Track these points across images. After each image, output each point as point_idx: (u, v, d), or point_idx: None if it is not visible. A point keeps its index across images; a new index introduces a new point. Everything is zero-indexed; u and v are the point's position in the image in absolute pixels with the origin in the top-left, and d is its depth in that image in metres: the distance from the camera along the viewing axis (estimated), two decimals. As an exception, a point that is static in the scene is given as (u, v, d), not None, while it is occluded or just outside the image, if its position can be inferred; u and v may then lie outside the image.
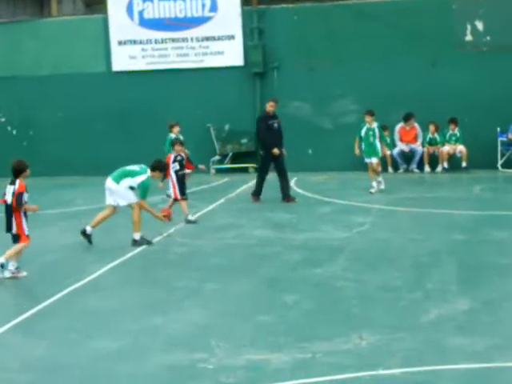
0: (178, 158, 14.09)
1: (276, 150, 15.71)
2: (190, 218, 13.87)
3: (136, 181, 12.09)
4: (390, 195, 16.28)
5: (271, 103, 16.23)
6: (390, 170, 20.46)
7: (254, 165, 20.40)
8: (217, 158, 21.52)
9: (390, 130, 20.41)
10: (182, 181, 13.99)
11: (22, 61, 22.51)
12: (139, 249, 11.84)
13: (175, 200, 13.93)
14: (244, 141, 21.31)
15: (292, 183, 18.25)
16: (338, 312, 8.35)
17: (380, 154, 16.90)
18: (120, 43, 22.10)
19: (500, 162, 20.12)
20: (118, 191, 12.14)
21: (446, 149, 20.15)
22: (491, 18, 20.27)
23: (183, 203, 13.91)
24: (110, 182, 12.23)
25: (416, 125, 20.57)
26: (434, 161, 20.39)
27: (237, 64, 21.62)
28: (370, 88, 20.49)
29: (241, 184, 18.48)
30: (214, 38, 21.70)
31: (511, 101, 19.90)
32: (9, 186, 10.25)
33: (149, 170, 12.23)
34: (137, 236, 12.08)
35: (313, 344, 7.21)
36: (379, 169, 16.98)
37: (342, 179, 19.27)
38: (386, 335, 7.40)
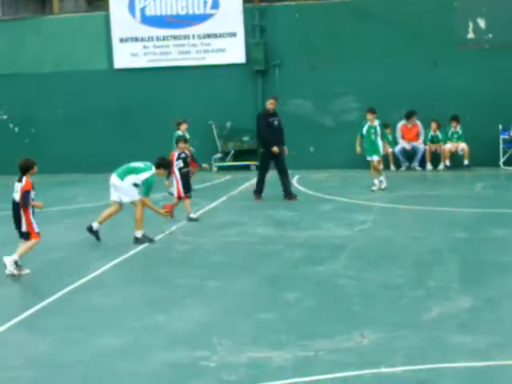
0: (182, 155, 14.05)
1: (275, 149, 15.70)
2: (192, 215, 13.87)
3: (140, 178, 12.10)
4: (391, 193, 16.28)
5: (271, 101, 16.22)
6: (392, 167, 20.48)
7: (256, 162, 20.40)
8: (219, 155, 21.53)
9: (392, 128, 20.40)
10: (185, 178, 13.95)
11: (24, 58, 22.54)
12: (141, 246, 11.85)
13: (179, 198, 13.90)
14: (246, 138, 21.32)
15: (294, 181, 18.28)
16: (339, 310, 8.36)
17: (381, 152, 16.90)
18: (122, 40, 22.11)
19: (502, 160, 20.12)
20: (122, 188, 12.15)
21: (448, 147, 20.15)
22: (493, 15, 20.26)
23: (187, 201, 13.89)
24: (114, 178, 12.24)
25: (418, 122, 20.57)
26: (435, 159, 20.39)
27: (238, 61, 21.63)
28: (372, 86, 20.50)
29: (243, 182, 18.49)
30: (215, 36, 21.71)
31: (513, 98, 19.91)
32: (16, 184, 10.33)
33: (153, 167, 12.23)
34: (139, 234, 12.09)
35: (314, 342, 7.22)
36: (381, 167, 16.98)
37: (344, 177, 19.28)
38: (388, 333, 7.41)
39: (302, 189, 17.28)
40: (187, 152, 14.29)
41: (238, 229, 13.02)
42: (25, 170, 10.32)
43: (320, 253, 11.03)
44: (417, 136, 20.62)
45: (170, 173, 13.67)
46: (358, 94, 20.68)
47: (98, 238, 12.25)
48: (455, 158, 20.26)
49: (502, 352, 6.80)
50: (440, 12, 20.51)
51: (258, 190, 16.07)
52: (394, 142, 20.40)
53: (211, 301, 8.85)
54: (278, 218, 13.99)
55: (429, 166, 20.34)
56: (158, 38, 22.00)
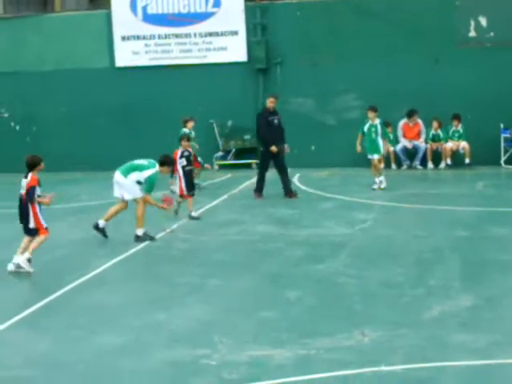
0: (185, 153, 14.03)
1: (274, 148, 15.70)
2: (193, 214, 13.88)
3: (143, 175, 12.10)
4: (392, 191, 16.27)
5: (271, 99, 16.22)
6: (393, 166, 20.47)
7: (257, 161, 20.38)
8: (220, 154, 21.52)
9: (393, 127, 20.40)
10: (188, 177, 13.93)
11: (26, 56, 22.53)
12: (142, 244, 11.86)
13: (181, 196, 13.89)
14: (247, 137, 21.31)
15: (295, 179, 18.28)
16: (340, 308, 8.37)
17: (382, 151, 16.89)
18: (123, 39, 22.10)
19: (503, 159, 20.11)
20: (125, 185, 12.16)
21: (449, 145, 20.14)
22: (495, 13, 20.24)
23: (189, 199, 13.89)
24: (118, 175, 12.25)
25: (419, 121, 20.55)
26: (437, 157, 20.38)
27: (240, 60, 21.62)
28: (374, 84, 20.48)
29: (244, 180, 18.49)
30: (217, 34, 21.70)
31: (514, 97, 19.90)
32: (23, 180, 10.38)
33: (157, 165, 12.24)
34: (140, 232, 12.10)
35: (315, 340, 7.23)
36: (381, 166, 16.97)
37: (345, 175, 19.28)
38: (388, 331, 7.42)
39: (303, 187, 17.28)
40: (190, 150, 14.29)
41: (239, 227, 13.03)
42: (31, 166, 10.37)
43: (321, 251, 11.04)
44: (418, 135, 20.61)
45: (173, 171, 13.67)
46: (360, 92, 20.66)
47: (105, 235, 12.26)
48: (456, 156, 20.25)
49: (503, 350, 6.81)
50: (442, 10, 20.48)
51: (259, 188, 16.08)
52: (396, 141, 20.40)
53: (212, 299, 8.86)
54: (278, 217, 14.00)
55: (430, 165, 20.33)
56: (159, 37, 22.00)
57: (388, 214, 14.05)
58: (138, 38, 22.06)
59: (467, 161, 20.00)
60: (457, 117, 20.06)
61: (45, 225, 10.35)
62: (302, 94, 21.21)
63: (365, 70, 20.68)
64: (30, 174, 10.32)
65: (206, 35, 21.76)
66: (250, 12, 21.49)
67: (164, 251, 11.60)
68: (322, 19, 21.09)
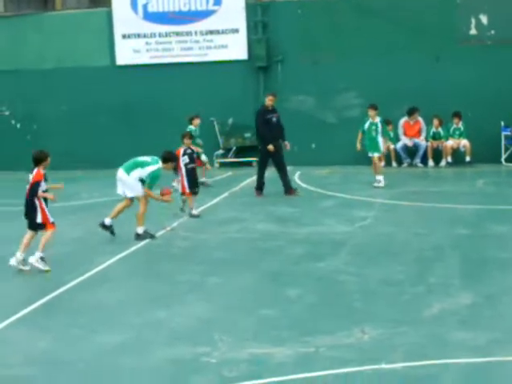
0: (188, 151, 14.00)
1: (271, 147, 15.71)
2: (194, 212, 13.88)
3: (146, 171, 12.09)
4: (393, 189, 16.28)
5: (270, 97, 16.24)
6: (394, 164, 20.47)
7: (258, 159, 20.38)
8: (220, 151, 21.53)
9: (394, 125, 20.41)
10: (191, 175, 13.90)
11: (26, 54, 22.54)
12: (142, 243, 11.86)
13: (182, 194, 13.88)
14: (247, 135, 21.30)
15: (295, 177, 18.29)
16: (340, 306, 8.37)
17: (382, 150, 16.89)
18: (124, 37, 22.11)
19: (504, 157, 20.11)
20: (128, 182, 12.16)
21: (450, 143, 20.14)
22: (496, 11, 20.23)
23: (190, 197, 13.88)
24: (121, 172, 12.26)
25: (420, 119, 20.56)
26: (437, 155, 20.38)
27: (241, 58, 21.63)
28: (374, 82, 20.48)
29: (244, 178, 18.49)
30: (217, 32, 21.70)
31: (515, 95, 19.89)
32: (30, 175, 10.38)
33: (160, 162, 12.24)
34: (140, 230, 12.10)
35: (315, 338, 7.23)
36: (381, 164, 16.95)
37: (345, 173, 19.28)
38: (389, 329, 7.42)
39: (304, 185, 17.29)
40: (193, 148, 14.27)
41: (240, 225, 13.04)
42: (37, 161, 10.40)
43: (321, 249, 11.04)
44: (419, 132, 20.61)
45: (176, 169, 13.65)
46: (361, 90, 20.66)
47: (112, 232, 12.26)
48: (457, 154, 20.25)
49: (502, 348, 6.82)
50: (442, 8, 20.48)
51: (259, 186, 16.09)
52: (396, 139, 20.42)
53: (212, 297, 8.87)
54: (279, 215, 14.00)
55: (430, 163, 20.33)
56: (160, 35, 22.01)
57: (388, 212, 14.05)
58: (139, 36, 22.06)
59: (468, 159, 20.01)
60: (457, 115, 20.06)
61: (51, 219, 10.36)
62: (302, 92, 21.21)
63: (365, 68, 20.68)
64: (35, 169, 10.33)
65: (206, 33, 21.77)
66: (250, 10, 21.50)
67: (164, 249, 11.61)
68: (323, 17, 21.08)
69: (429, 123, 20.49)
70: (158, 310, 8.38)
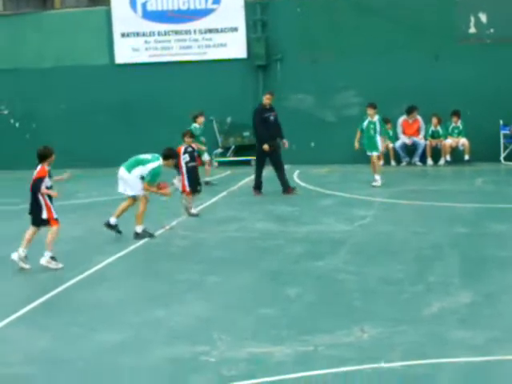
0: (189, 149, 13.95)
1: (266, 146, 15.73)
2: (193, 211, 13.87)
3: (147, 168, 12.09)
4: (392, 188, 16.28)
5: (267, 96, 16.26)
6: (393, 163, 20.47)
7: (255, 158, 20.38)
8: (219, 150, 21.52)
9: (393, 123, 20.41)
10: (191, 173, 13.85)
11: (25, 53, 22.54)
12: (141, 241, 11.87)
13: (183, 192, 13.86)
14: (246, 134, 21.29)
15: (294, 176, 18.29)
16: (339, 305, 8.38)
17: (380, 149, 16.87)
18: (123, 35, 22.11)
19: (503, 155, 20.11)
20: (129, 180, 12.15)
21: (449, 142, 20.15)
22: (495, 10, 20.22)
23: (190, 196, 13.87)
24: (122, 170, 12.26)
25: (419, 118, 20.56)
26: (436, 154, 20.38)
27: (240, 56, 21.62)
28: (373, 81, 20.48)
29: (243, 177, 18.49)
30: (217, 31, 21.70)
31: (514, 94, 19.90)
32: (34, 172, 10.38)
33: (161, 159, 12.24)
34: (139, 229, 12.10)
35: (315, 337, 7.24)
36: (380, 163, 16.93)
37: (344, 172, 19.28)
38: (388, 328, 7.43)
39: (303, 184, 17.29)
40: (194, 146, 14.25)
41: (239, 224, 13.03)
42: (42, 157, 10.39)
43: (320, 248, 11.04)
44: (417, 131, 20.62)
45: (178, 168, 13.64)
46: (360, 89, 20.66)
47: (118, 231, 12.24)
48: (456, 153, 20.26)
49: (501, 347, 6.82)
50: (441, 7, 20.47)
51: (257, 185, 16.10)
52: (395, 137, 20.42)
53: (211, 296, 8.87)
54: (278, 213, 14.00)
55: (429, 161, 20.33)
56: (159, 33, 22.00)
57: (387, 211, 14.05)
58: (138, 34, 22.06)
59: (467, 157, 20.02)
60: (456, 113, 20.07)
61: (55, 216, 10.36)
62: (301, 91, 21.21)
63: (365, 66, 20.68)
64: (39, 166, 10.33)
65: (205, 32, 21.76)
66: (249, 8, 21.49)
67: (163, 248, 11.61)
68: (322, 16, 21.08)
69: (428, 122, 20.49)
70: (157, 308, 8.38)
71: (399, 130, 20.66)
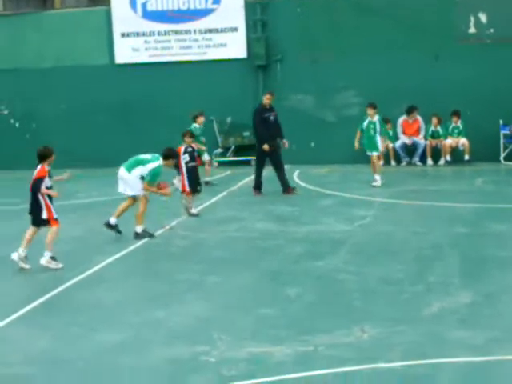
0: (189, 149, 13.94)
1: (266, 146, 15.74)
2: (193, 211, 13.88)
3: (147, 168, 12.09)
4: (392, 188, 16.28)
5: (267, 96, 16.27)
6: (393, 163, 20.47)
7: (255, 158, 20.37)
8: (219, 150, 21.52)
9: (393, 123, 20.41)
10: (192, 173, 13.83)
11: (25, 53, 22.55)
12: (141, 242, 11.87)
13: (183, 192, 13.85)
14: (246, 134, 21.29)
15: (294, 176, 18.30)
16: (339, 305, 8.38)
17: (380, 149, 16.86)
18: (123, 35, 22.12)
19: (502, 155, 20.12)
20: (129, 180, 12.15)
21: (449, 142, 20.15)
22: (495, 10, 20.23)
23: (189, 196, 13.87)
24: (122, 170, 12.26)
25: (419, 118, 20.56)
26: (436, 154, 20.39)
27: (240, 56, 21.63)
28: (373, 81, 20.49)
29: (243, 177, 18.49)
30: (217, 31, 21.70)
31: (514, 93, 19.90)
32: (34, 172, 10.38)
33: (161, 159, 12.24)
34: (139, 229, 12.10)
35: (314, 337, 7.24)
36: (379, 163, 16.91)
37: (344, 172, 19.29)
38: (388, 328, 7.43)
39: (303, 184, 17.29)
40: (194, 146, 14.24)
41: (238, 224, 13.04)
42: (42, 157, 10.38)
43: (320, 248, 11.04)
44: (417, 131, 20.62)
45: (178, 167, 13.65)
46: (360, 89, 20.66)
47: (118, 231, 12.23)
48: (456, 153, 20.26)
49: (501, 347, 6.83)
50: (441, 6, 20.47)
51: (257, 185, 16.11)
52: (395, 137, 20.42)
53: (211, 296, 8.87)
54: (278, 213, 14.01)
55: (429, 161, 20.34)
56: (159, 33, 22.00)
57: (387, 211, 14.05)
58: (138, 34, 22.06)
59: (466, 157, 20.02)
60: (456, 113, 20.07)
61: (55, 216, 10.36)
62: (301, 91, 21.22)
63: (365, 66, 20.68)
64: (39, 166, 10.33)
65: (205, 32, 21.76)
66: (249, 8, 21.50)
67: (163, 248, 11.61)
68: (322, 16, 21.08)
69: (428, 122, 20.50)
70: (157, 309, 8.38)
71: (399, 129, 20.67)
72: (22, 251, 10.31)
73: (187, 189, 13.78)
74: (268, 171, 16.41)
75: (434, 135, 20.37)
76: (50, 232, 10.37)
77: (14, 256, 10.30)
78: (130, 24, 21.98)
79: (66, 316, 8.36)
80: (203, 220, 13.56)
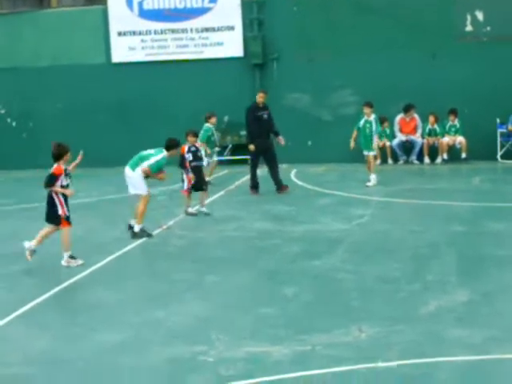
0: (192, 148, 13.93)
1: (252, 147, 15.81)
2: (190, 210, 13.89)
3: (151, 162, 12.08)
4: (389, 187, 16.31)
5: (261, 94, 16.31)
6: (390, 161, 20.50)
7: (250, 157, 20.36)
8: (216, 149, 21.48)
9: (390, 122, 20.45)
10: (196, 172, 13.79)
11: (22, 52, 22.56)
12: (139, 241, 11.87)
13: (189, 189, 13.82)
14: (243, 132, 21.20)
15: (291, 175, 18.31)
16: (337, 304, 8.39)
17: (374, 150, 16.77)
18: (119, 34, 22.13)
19: (499, 153, 20.16)
20: (133, 178, 12.15)
21: (446, 140, 20.19)
22: (491, 8, 20.26)
23: (188, 196, 13.86)
24: (127, 169, 12.26)
25: (416, 116, 20.59)
26: (433, 152, 20.42)
27: (236, 55, 21.66)
28: (370, 80, 20.52)
29: (240, 176, 18.51)
30: (213, 29, 21.72)
31: (511, 92, 19.92)
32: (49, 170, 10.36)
33: (164, 151, 12.24)
34: (137, 228, 12.10)
35: (312, 336, 7.25)
36: (375, 163, 16.88)
37: (341, 171, 19.31)
38: (385, 327, 7.44)
39: (300, 183, 17.32)
40: (197, 145, 14.21)
41: (236, 223, 13.05)
42: (57, 157, 10.23)
43: (317, 247, 11.06)
44: (415, 129, 20.65)
45: (184, 166, 13.65)
46: (356, 88, 20.69)
47: (149, 234, 12.13)
48: (453, 151, 20.30)
49: (499, 346, 6.84)
50: (440, 5, 20.52)
51: (254, 184, 16.13)
52: (392, 136, 20.44)
53: (210, 295, 8.88)
54: (275, 213, 14.02)
55: (426, 160, 20.38)
56: (155, 32, 22.01)
57: (385, 210, 14.08)
58: (135, 33, 22.07)
59: (464, 155, 20.06)
60: (453, 111, 20.11)
61: (67, 214, 10.32)
62: (298, 90, 21.25)
63: (361, 65, 20.71)
64: (55, 165, 10.23)
65: (202, 30, 21.78)
66: (246, 7, 21.53)
67: (161, 248, 11.61)
68: (319, 14, 21.11)
69: (425, 120, 20.53)
70: (156, 308, 8.39)
71: (396, 128, 20.70)
72: (32, 245, 10.31)
73: (185, 188, 13.79)
74: (265, 170, 16.42)
75: (431, 133, 20.41)
76: (61, 235, 10.35)
77: (26, 244, 10.31)
78: (126, 23, 22.00)
79: (65, 316, 8.39)
80: (201, 219, 13.57)
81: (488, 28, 20.34)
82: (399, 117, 20.69)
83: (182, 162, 13.71)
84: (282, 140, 16.29)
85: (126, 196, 13.82)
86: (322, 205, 14.60)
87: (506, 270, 9.54)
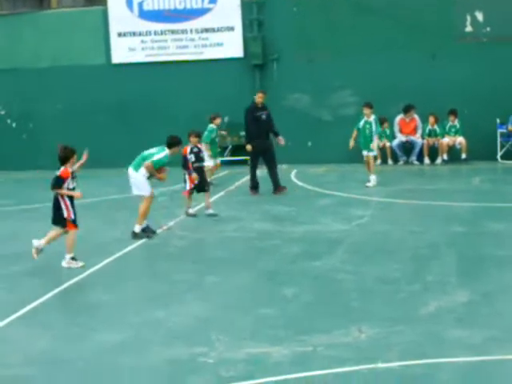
0: (194, 149, 13.88)
1: (249, 147, 15.83)
2: (190, 211, 13.89)
3: (153, 159, 12.08)
4: (389, 187, 16.31)
5: (260, 94, 16.32)
6: (390, 161, 20.50)
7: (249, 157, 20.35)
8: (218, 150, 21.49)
9: (390, 122, 20.45)
10: (198, 173, 13.75)
11: (22, 53, 22.56)
12: (140, 242, 11.87)
13: (191, 190, 13.81)
14: (243, 133, 21.22)
15: (292, 175, 18.31)
16: (337, 305, 8.39)
17: (374, 151, 16.74)
18: (119, 35, 22.13)
19: (499, 154, 20.16)
20: (136, 179, 12.16)
21: (446, 140, 20.19)
22: (491, 8, 20.26)
23: (188, 196, 13.86)
24: (130, 170, 12.27)
25: (416, 116, 20.59)
26: (433, 153, 20.42)
27: (236, 56, 21.65)
28: (370, 80, 20.52)
29: (240, 176, 18.50)
30: (213, 30, 21.72)
31: (511, 92, 19.92)
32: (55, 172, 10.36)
33: (166, 149, 12.24)
34: (137, 229, 12.09)
35: (312, 337, 7.25)
36: (374, 163, 16.85)
37: (341, 171, 19.31)
38: (385, 328, 7.44)
39: (300, 183, 17.32)
40: (199, 146, 14.20)
41: (236, 224, 13.05)
42: (63, 159, 10.19)
43: (317, 248, 11.06)
44: (415, 130, 20.65)
45: (187, 167, 13.65)
46: (356, 88, 20.69)
47: (152, 231, 12.20)
48: (453, 151, 20.30)
49: (499, 346, 6.84)
50: (439, 5, 20.52)
51: (254, 185, 16.14)
52: (392, 136, 20.44)
53: (210, 296, 8.88)
54: (275, 213, 14.02)
55: (426, 160, 20.37)
56: (155, 33, 22.02)
57: (384, 210, 14.07)
58: (134, 34, 22.07)
59: (464, 156, 20.06)
60: (453, 112, 20.11)
61: (72, 217, 10.30)
62: (298, 90, 21.25)
63: (361, 65, 20.71)
64: (62, 168, 10.21)
65: (202, 31, 21.78)
66: (246, 8, 21.53)
67: (161, 248, 11.62)
68: (319, 15, 21.11)
69: (425, 121, 20.53)
70: (156, 309, 8.39)
71: (396, 128, 20.70)
72: (41, 243, 10.34)
73: (186, 188, 13.79)
74: (265, 171, 16.41)
75: (431, 134, 20.41)
76: (67, 237, 10.37)
77: (36, 242, 10.33)
78: (126, 24, 22.00)
79: (65, 316, 8.39)
80: (201, 220, 13.57)
81: (488, 28, 20.34)
82: (399, 117, 20.69)
83: (184, 163, 13.71)
84: (281, 140, 16.30)
85: (126, 197, 13.85)
86: (322, 205, 14.60)
87: (506, 270, 9.54)
